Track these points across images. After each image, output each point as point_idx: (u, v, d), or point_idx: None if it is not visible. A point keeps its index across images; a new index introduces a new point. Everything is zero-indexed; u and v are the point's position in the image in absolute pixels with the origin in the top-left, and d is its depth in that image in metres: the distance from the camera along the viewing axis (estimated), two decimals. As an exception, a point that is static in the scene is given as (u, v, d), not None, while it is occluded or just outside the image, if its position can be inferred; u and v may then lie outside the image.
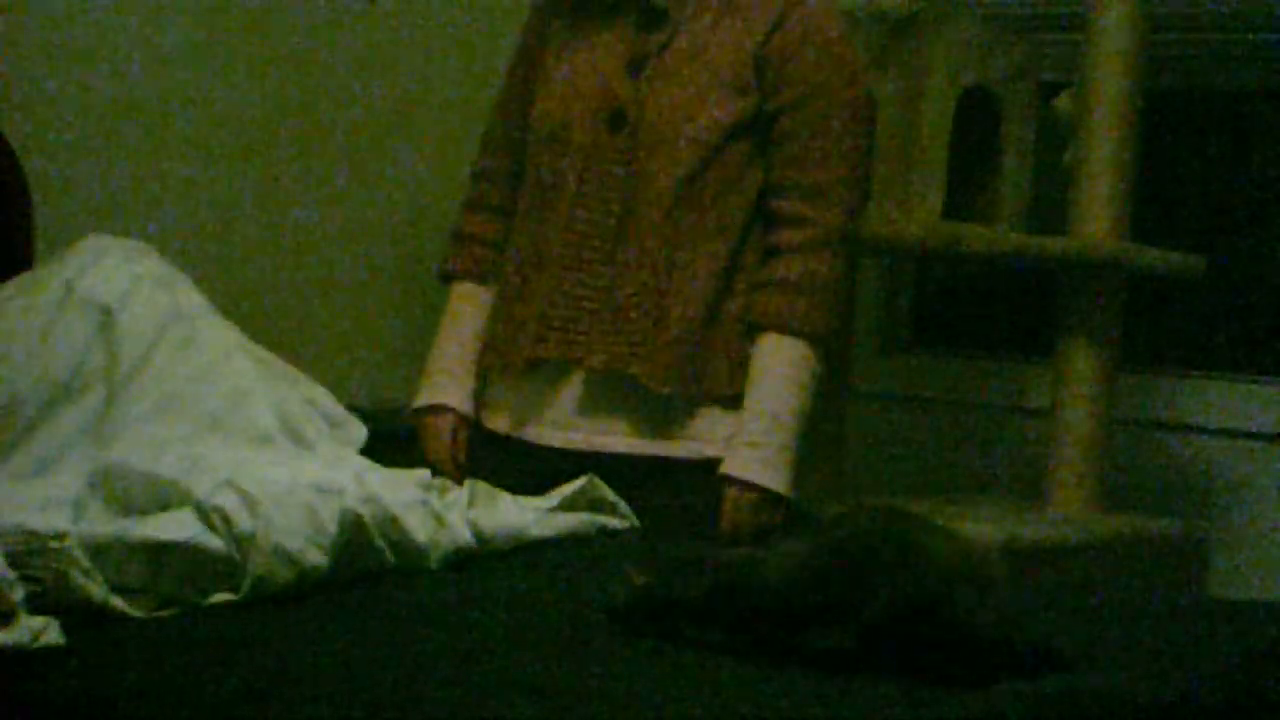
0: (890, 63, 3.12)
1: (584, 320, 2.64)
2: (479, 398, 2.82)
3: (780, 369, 2.63)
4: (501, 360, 2.73)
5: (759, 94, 2.63)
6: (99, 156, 3.10)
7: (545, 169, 2.70)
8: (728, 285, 2.65)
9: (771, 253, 2.67)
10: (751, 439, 2.61)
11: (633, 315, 2.62)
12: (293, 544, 2.06)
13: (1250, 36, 3.51)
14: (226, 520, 2.04)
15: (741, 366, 2.65)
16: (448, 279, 2.88)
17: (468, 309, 2.85)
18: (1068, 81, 3.41)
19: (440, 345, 2.86)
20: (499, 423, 2.76)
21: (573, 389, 2.67)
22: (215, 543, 2.03)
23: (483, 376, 2.81)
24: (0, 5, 2.95)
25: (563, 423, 2.67)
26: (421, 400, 2.83)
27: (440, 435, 2.80)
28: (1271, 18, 3.46)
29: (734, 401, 2.65)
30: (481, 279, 2.84)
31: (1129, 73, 3.16)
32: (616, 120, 2.65)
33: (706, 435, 2.65)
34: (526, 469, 2.61)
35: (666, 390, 2.61)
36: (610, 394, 2.65)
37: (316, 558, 2.08)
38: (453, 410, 2.81)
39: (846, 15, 3.16)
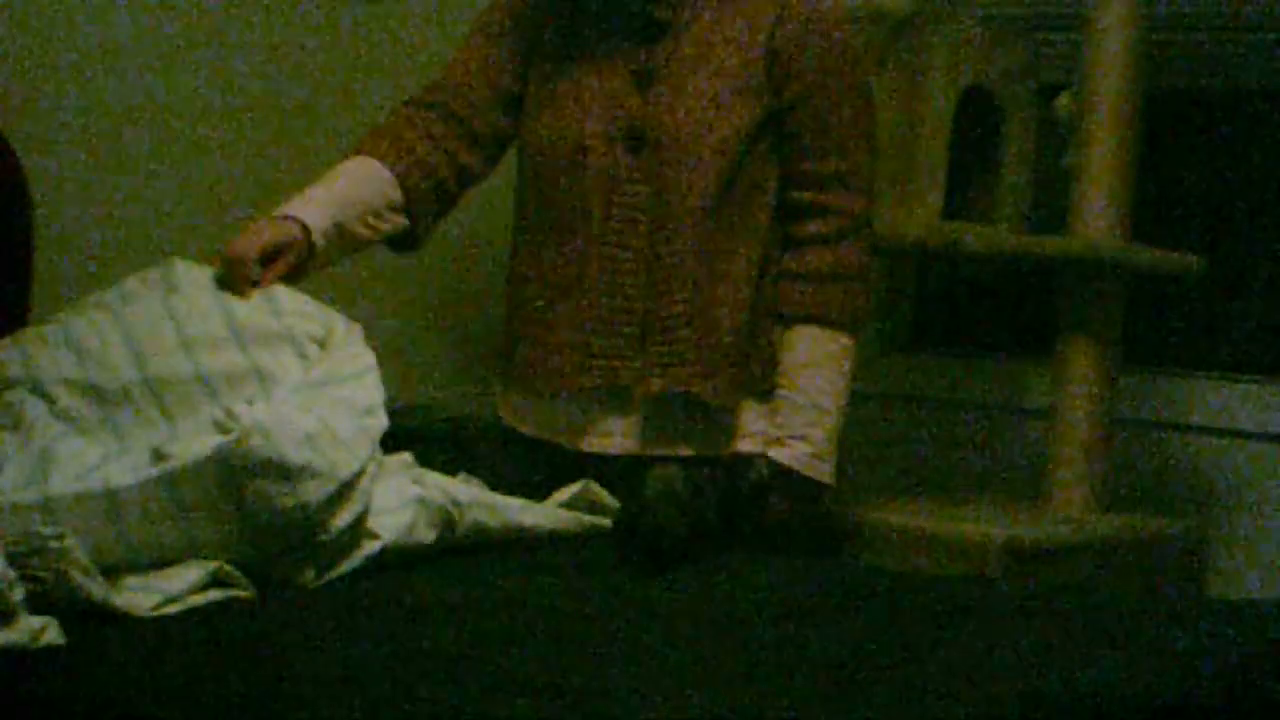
0: (890, 63, 3.12)
1: (627, 346, 2.63)
2: (509, 391, 2.77)
3: (820, 360, 2.67)
4: (537, 387, 2.68)
5: (770, 92, 2.63)
6: (99, 156, 3.10)
7: (563, 193, 2.65)
8: (761, 283, 2.67)
9: (797, 243, 2.68)
10: (797, 431, 2.66)
11: (683, 334, 2.62)
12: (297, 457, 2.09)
13: (1250, 36, 3.51)
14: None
15: (773, 358, 2.68)
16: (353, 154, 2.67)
17: (357, 164, 2.64)
18: (1068, 81, 3.40)
19: (320, 183, 2.60)
20: (544, 432, 2.73)
21: (624, 409, 2.66)
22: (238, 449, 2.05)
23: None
24: (0, 5, 2.95)
25: (616, 436, 2.68)
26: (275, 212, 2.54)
27: (263, 232, 2.47)
28: (1271, 18, 3.46)
29: (767, 394, 2.68)
30: (383, 159, 2.64)
31: (1129, 73, 3.16)
32: (635, 140, 2.62)
33: (744, 430, 2.68)
34: (568, 474, 2.59)
35: (725, 402, 2.63)
36: (662, 410, 2.65)
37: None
38: (300, 223, 2.50)
39: (846, 15, 3.16)
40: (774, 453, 2.66)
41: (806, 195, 2.67)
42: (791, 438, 2.66)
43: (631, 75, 2.64)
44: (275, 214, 2.53)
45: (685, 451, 2.64)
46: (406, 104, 2.75)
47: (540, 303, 2.68)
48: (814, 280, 2.66)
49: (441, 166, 2.70)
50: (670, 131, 2.61)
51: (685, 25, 2.64)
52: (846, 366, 2.69)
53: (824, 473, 2.67)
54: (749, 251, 2.65)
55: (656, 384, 2.62)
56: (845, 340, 2.69)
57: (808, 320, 2.67)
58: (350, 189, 2.61)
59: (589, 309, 2.64)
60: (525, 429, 2.74)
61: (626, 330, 2.63)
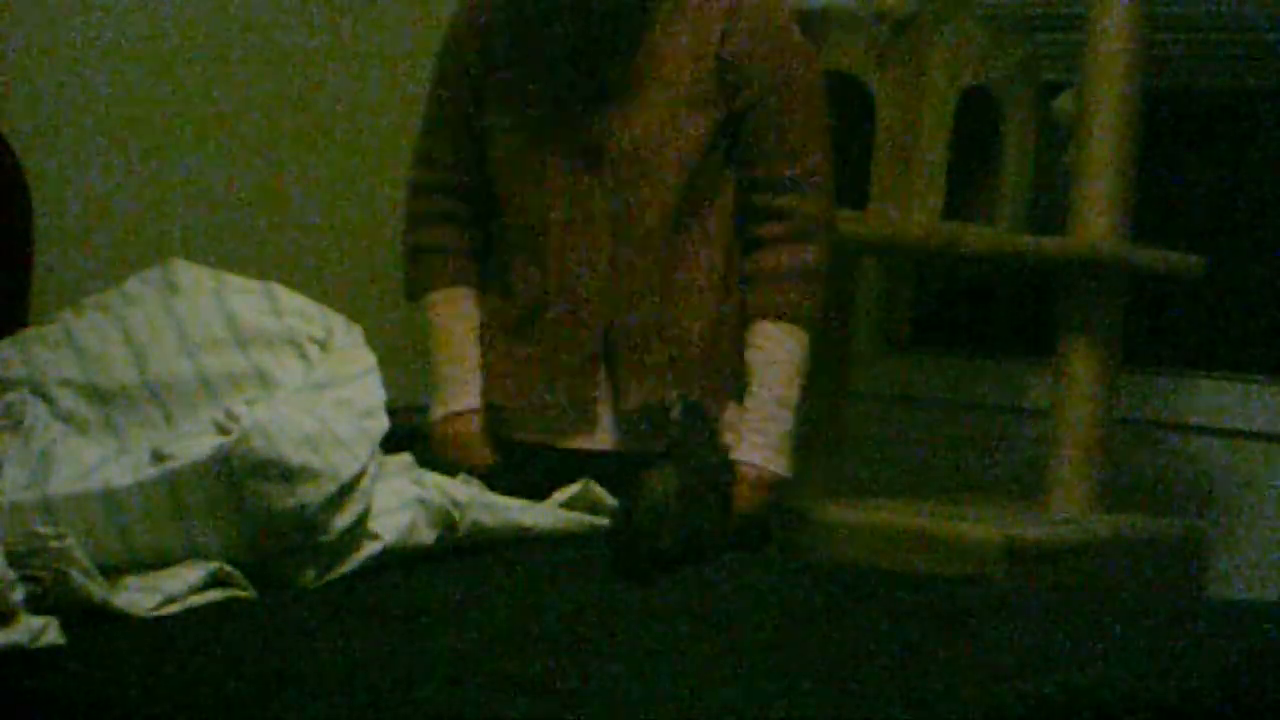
0: (890, 63, 3.12)
1: (595, 361, 2.66)
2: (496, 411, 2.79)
3: (779, 357, 2.68)
4: (517, 401, 2.72)
5: (723, 99, 2.64)
6: (99, 156, 3.10)
7: (525, 211, 2.69)
8: (727, 286, 2.69)
9: (756, 243, 2.71)
10: (758, 426, 2.67)
11: (653, 346, 2.65)
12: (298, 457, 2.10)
13: (1250, 36, 3.51)
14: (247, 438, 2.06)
15: (742, 357, 2.69)
16: (419, 293, 2.83)
17: (455, 313, 2.79)
18: (1068, 81, 3.40)
19: (441, 352, 2.80)
20: (524, 434, 2.75)
21: (602, 417, 2.69)
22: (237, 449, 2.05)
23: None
24: (0, 5, 2.95)
25: (598, 433, 2.70)
26: (442, 409, 2.78)
27: (473, 440, 2.75)
28: (1271, 18, 3.46)
29: (739, 392, 2.70)
30: (455, 283, 2.79)
31: (1129, 73, 3.16)
32: (592, 157, 2.64)
33: (725, 424, 2.68)
34: (553, 472, 2.61)
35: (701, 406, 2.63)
36: (642, 411, 2.67)
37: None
38: (478, 412, 2.76)
39: (846, 15, 3.16)
40: (736, 447, 2.66)
41: (765, 200, 2.69)
42: (753, 431, 2.67)
43: (585, 92, 2.65)
44: (450, 410, 2.76)
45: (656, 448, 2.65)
46: (417, 219, 2.82)
47: (514, 320, 2.71)
48: (773, 279, 2.69)
49: (479, 245, 2.81)
50: (627, 148, 2.63)
51: (636, 40, 2.64)
52: (802, 364, 2.71)
53: (783, 465, 2.69)
54: (710, 257, 2.68)
55: (633, 399, 2.65)
56: (801, 336, 2.70)
57: (765, 317, 2.69)
58: (472, 344, 2.77)
59: (554, 327, 2.67)
60: (505, 432, 2.75)
61: (590, 346, 2.66)
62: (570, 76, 2.66)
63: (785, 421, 2.69)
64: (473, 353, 2.78)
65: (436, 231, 2.80)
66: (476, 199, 2.78)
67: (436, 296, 2.80)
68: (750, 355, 2.69)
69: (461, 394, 2.77)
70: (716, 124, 2.65)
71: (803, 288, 2.69)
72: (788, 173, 2.68)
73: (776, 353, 2.68)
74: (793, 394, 2.69)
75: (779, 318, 2.68)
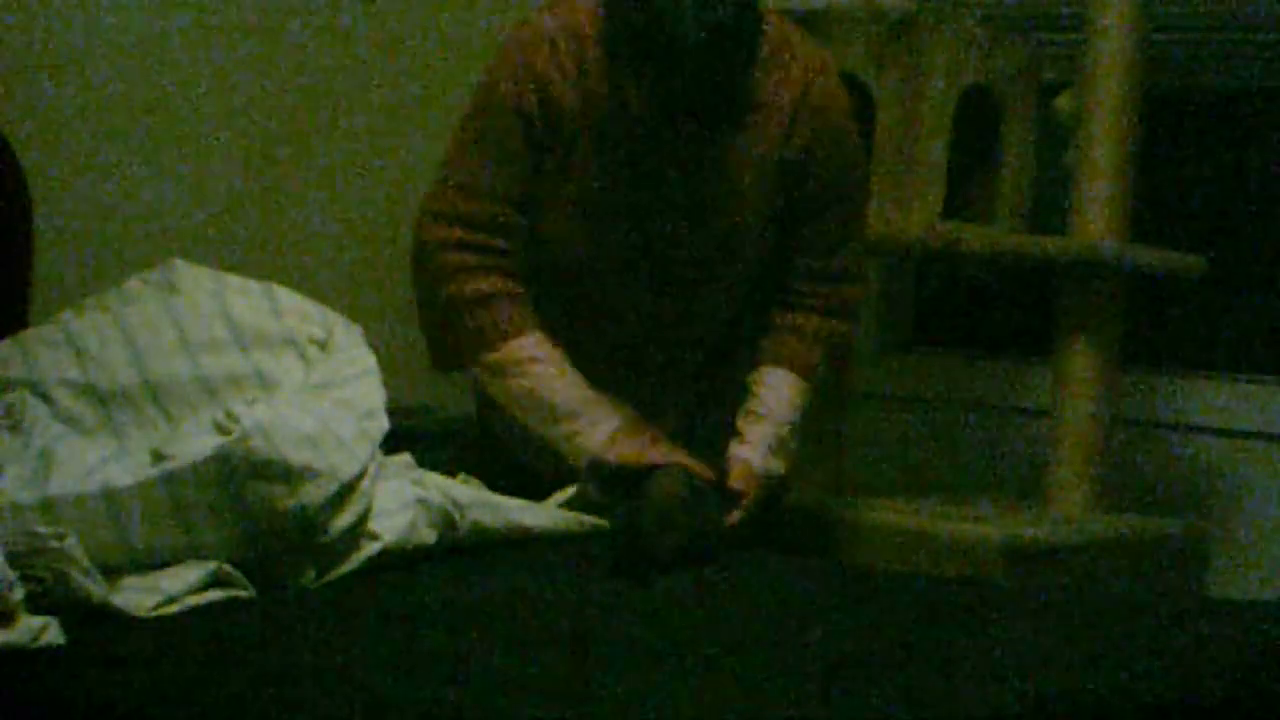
0: (890, 63, 3.12)
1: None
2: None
3: (793, 404, 2.69)
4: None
5: (782, 198, 2.64)
6: (99, 156, 3.10)
7: (573, 302, 2.63)
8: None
9: (790, 308, 2.72)
10: (766, 456, 2.67)
11: (700, 436, 2.67)
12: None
13: (1250, 36, 3.51)
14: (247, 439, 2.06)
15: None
16: (484, 347, 2.55)
17: (549, 351, 2.56)
18: (1068, 81, 3.40)
19: (559, 383, 2.56)
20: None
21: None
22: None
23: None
24: (0, 5, 2.95)
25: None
26: (608, 425, 2.55)
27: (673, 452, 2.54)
28: (1271, 18, 3.46)
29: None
30: (532, 328, 2.56)
31: (1129, 73, 3.16)
32: (656, 263, 2.61)
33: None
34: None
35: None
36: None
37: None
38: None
39: (846, 15, 3.16)
40: (752, 468, 2.66)
41: (807, 287, 2.72)
42: (760, 456, 2.67)
43: (653, 187, 2.58)
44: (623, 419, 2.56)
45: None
46: (475, 266, 2.56)
47: None
48: (801, 336, 2.71)
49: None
50: (697, 255, 2.62)
51: (707, 146, 2.57)
52: (806, 418, 2.74)
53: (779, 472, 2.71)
54: (753, 335, 2.73)
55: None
56: (810, 394, 2.73)
57: (780, 365, 2.70)
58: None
59: None
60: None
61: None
62: (644, 169, 2.56)
63: (787, 463, 2.68)
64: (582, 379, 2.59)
65: (490, 280, 2.56)
66: (519, 265, 2.60)
67: (515, 345, 2.55)
68: (761, 391, 2.68)
69: (615, 406, 2.59)
70: (778, 227, 2.66)
71: (825, 356, 2.72)
72: (835, 266, 2.71)
73: (791, 399, 2.69)
74: (796, 441, 2.70)
75: (798, 372, 2.70)
